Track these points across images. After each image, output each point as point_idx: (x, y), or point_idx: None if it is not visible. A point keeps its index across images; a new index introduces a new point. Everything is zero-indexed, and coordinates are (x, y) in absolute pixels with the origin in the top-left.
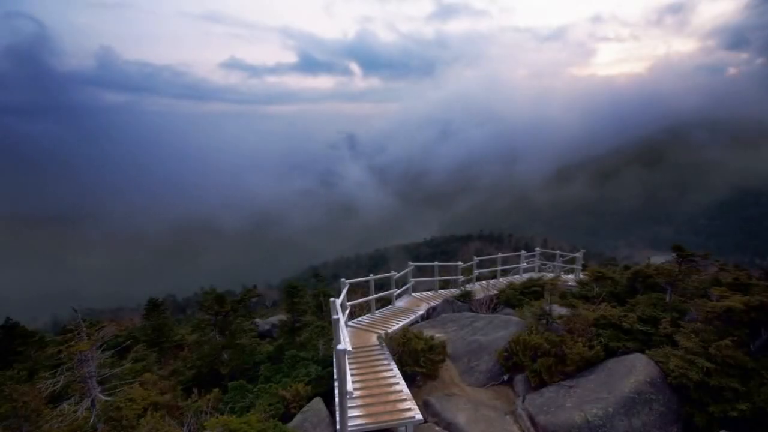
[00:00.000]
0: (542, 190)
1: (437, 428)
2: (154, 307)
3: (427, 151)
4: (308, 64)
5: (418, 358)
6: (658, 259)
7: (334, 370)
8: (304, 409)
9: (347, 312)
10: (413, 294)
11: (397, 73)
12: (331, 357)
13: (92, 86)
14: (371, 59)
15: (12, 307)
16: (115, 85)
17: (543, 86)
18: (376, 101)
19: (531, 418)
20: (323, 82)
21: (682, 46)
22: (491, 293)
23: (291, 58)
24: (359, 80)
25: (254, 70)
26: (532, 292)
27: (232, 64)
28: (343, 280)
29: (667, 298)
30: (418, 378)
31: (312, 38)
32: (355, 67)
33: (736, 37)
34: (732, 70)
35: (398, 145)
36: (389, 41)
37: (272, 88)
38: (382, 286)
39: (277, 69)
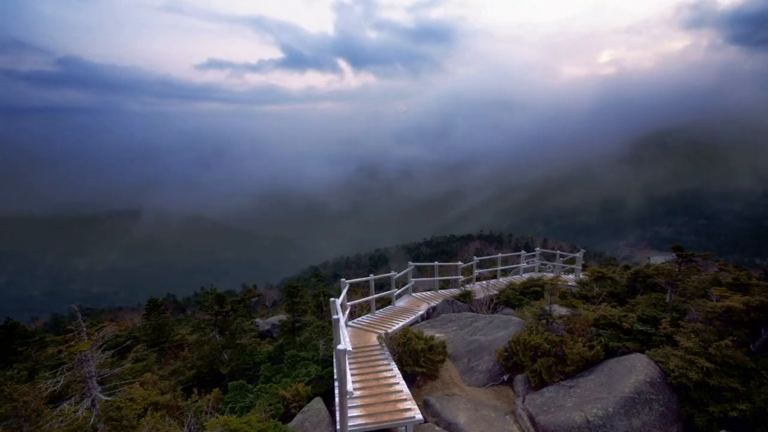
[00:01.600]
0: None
1: (437, 428)
2: (154, 307)
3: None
4: (293, 61)
5: (418, 358)
6: (658, 259)
7: (335, 370)
8: (304, 409)
9: (347, 312)
10: (413, 294)
11: (389, 68)
12: (332, 357)
13: (56, 86)
14: (358, 53)
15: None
16: (79, 84)
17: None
18: (374, 100)
19: (531, 418)
20: (311, 80)
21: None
22: (491, 293)
23: (271, 53)
24: (351, 77)
25: (234, 68)
26: (532, 292)
27: (211, 63)
28: (343, 280)
29: (667, 298)
30: (418, 378)
31: (291, 30)
32: (342, 63)
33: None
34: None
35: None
36: (373, 36)
37: (259, 87)
38: (382, 286)
39: (259, 67)
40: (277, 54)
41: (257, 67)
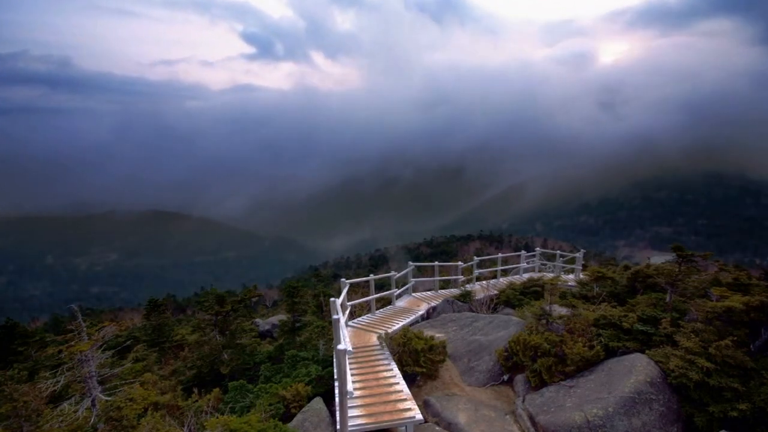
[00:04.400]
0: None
1: (437, 428)
2: (154, 307)
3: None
4: (266, 54)
5: (418, 358)
6: (658, 259)
7: (335, 370)
8: (304, 409)
9: (347, 312)
10: (413, 294)
11: (370, 57)
12: (332, 357)
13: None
14: (332, 41)
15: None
16: (20, 82)
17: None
18: (368, 95)
19: (531, 418)
20: (292, 74)
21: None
22: (491, 293)
23: (232, 41)
24: (331, 69)
25: (189, 63)
26: (532, 292)
27: (163, 60)
28: (343, 280)
29: (667, 298)
30: (418, 378)
31: (248, 13)
32: (315, 52)
33: None
34: None
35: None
36: (343, 24)
37: (237, 84)
38: (382, 286)
39: (225, 61)
40: (239, 42)
41: (224, 62)
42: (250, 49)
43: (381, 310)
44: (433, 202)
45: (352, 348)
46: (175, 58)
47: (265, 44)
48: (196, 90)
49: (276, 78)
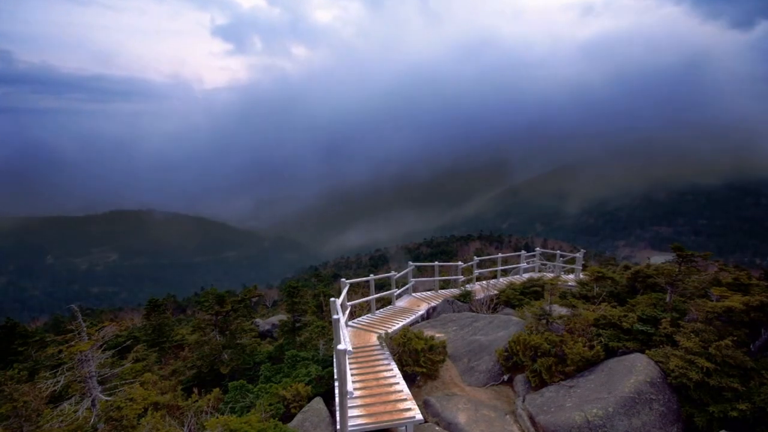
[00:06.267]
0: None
1: (437, 428)
2: (154, 307)
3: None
4: (243, 50)
5: (418, 358)
6: (658, 259)
7: (335, 370)
8: (304, 409)
9: (347, 312)
10: (413, 294)
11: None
12: (332, 357)
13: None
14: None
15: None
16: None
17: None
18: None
19: (531, 418)
20: (273, 69)
21: None
22: (491, 293)
23: (199, 33)
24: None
25: (157, 59)
26: (532, 292)
27: (138, 55)
28: (343, 280)
29: (667, 298)
30: (418, 378)
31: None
32: (295, 45)
33: None
34: None
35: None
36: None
37: (220, 85)
38: (382, 286)
39: (186, 58)
40: (204, 33)
41: (197, 58)
42: (223, 43)
43: (381, 310)
44: (434, 202)
45: (352, 348)
46: (141, 52)
47: (240, 37)
48: (178, 88)
49: (260, 72)
